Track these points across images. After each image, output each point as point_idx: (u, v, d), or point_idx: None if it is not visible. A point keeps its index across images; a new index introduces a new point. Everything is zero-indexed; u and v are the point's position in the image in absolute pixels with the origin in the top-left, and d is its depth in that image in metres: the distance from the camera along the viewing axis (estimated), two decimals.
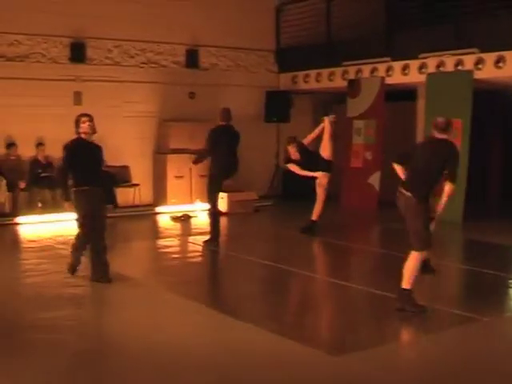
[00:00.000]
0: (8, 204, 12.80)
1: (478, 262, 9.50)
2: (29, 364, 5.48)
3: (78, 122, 8.01)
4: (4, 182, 12.60)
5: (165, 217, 13.74)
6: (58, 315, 6.83)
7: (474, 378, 5.32)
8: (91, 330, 6.55)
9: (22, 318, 6.90)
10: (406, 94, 14.96)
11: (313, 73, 15.84)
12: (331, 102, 16.80)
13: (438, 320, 7.01)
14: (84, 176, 7.93)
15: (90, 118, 8.01)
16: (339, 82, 15.28)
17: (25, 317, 6.92)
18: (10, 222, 12.52)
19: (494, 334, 6.54)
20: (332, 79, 15.44)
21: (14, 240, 11.76)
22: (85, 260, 8.32)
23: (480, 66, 12.34)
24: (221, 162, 10.42)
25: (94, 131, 8.01)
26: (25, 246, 11.06)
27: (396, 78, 14.07)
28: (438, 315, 7.12)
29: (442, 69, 13.09)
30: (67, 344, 6.01)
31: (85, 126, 7.94)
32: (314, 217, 11.52)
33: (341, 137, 15.77)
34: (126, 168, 14.24)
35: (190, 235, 11.92)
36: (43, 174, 13.16)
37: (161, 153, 14.81)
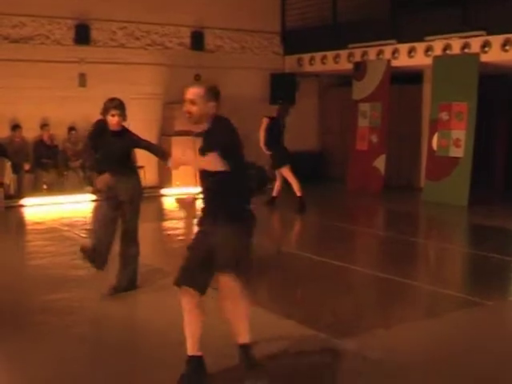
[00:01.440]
0: (13, 186, 12.82)
1: (482, 246, 9.50)
2: (37, 345, 5.51)
3: (106, 111, 6.89)
4: (9, 164, 12.61)
5: (170, 199, 13.75)
6: (64, 297, 6.85)
7: (477, 361, 5.33)
8: (98, 312, 6.57)
9: (28, 299, 6.92)
10: (411, 77, 14.90)
11: (318, 55, 15.78)
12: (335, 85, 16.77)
13: (442, 303, 7.02)
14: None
15: (121, 112, 6.91)
16: (345, 65, 15.22)
17: (31, 299, 6.94)
18: (16, 203, 12.56)
19: (498, 317, 6.54)
20: (338, 62, 15.38)
21: (20, 222, 11.78)
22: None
23: (486, 49, 12.26)
24: None
25: (124, 120, 7.05)
26: (30, 228, 11.08)
27: (402, 61, 14.00)
28: (442, 299, 7.13)
29: (448, 51, 13.02)
30: (74, 326, 6.03)
31: (114, 121, 6.91)
32: (299, 193, 12.10)
33: (346, 119, 15.80)
34: None
35: (195, 217, 11.91)
36: (45, 160, 13.17)
37: (166, 135, 14.80)
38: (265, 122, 12.27)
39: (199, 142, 4.76)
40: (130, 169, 7.33)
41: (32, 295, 7.08)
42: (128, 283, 7.12)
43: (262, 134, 12.20)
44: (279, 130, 12.37)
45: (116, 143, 7.07)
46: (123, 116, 7.05)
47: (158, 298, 6.94)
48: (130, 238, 7.18)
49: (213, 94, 4.74)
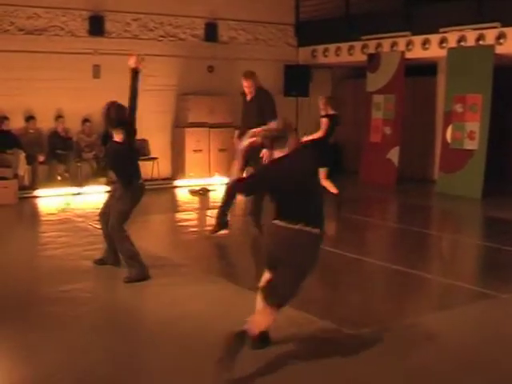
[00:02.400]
0: (27, 177, 12.87)
1: (496, 239, 9.46)
2: (46, 336, 5.53)
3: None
4: (23, 155, 12.65)
5: (183, 190, 13.77)
6: (75, 288, 6.87)
7: (491, 353, 5.32)
8: (108, 303, 6.60)
9: (40, 290, 6.95)
10: (426, 69, 14.83)
11: (332, 47, 15.73)
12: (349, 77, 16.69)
13: (455, 296, 7.00)
14: None
15: None
16: (359, 57, 15.17)
17: (43, 289, 6.98)
18: (30, 195, 12.61)
19: None
20: (352, 53, 15.34)
21: (33, 213, 11.84)
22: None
23: (501, 41, 12.19)
24: None
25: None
26: (44, 218, 11.13)
27: (416, 53, 13.94)
28: (456, 291, 7.11)
29: (462, 43, 12.94)
30: (84, 317, 6.06)
31: None
32: None
33: (360, 111, 15.75)
34: (144, 141, 14.23)
35: (209, 209, 11.93)
36: (59, 151, 13.21)
37: (179, 126, 14.82)
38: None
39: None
40: None
41: (45, 285, 7.11)
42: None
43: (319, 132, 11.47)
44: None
45: None
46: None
47: (169, 289, 6.95)
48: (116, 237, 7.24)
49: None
